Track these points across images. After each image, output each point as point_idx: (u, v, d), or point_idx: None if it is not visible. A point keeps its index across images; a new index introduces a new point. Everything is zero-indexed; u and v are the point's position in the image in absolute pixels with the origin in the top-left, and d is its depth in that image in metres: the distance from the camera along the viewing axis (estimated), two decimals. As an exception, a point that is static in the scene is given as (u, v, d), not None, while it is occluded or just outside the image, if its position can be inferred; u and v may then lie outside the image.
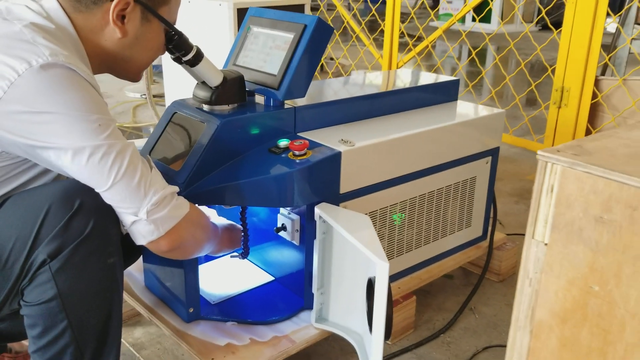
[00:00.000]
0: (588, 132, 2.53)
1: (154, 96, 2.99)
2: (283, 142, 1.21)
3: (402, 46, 3.53)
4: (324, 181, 1.21)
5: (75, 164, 0.88)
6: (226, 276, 1.42)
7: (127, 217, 0.93)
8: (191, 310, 1.25)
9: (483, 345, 1.39)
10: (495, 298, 1.59)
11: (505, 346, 1.38)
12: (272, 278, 1.42)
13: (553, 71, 2.62)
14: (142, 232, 0.95)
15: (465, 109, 1.58)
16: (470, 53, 3.26)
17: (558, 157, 0.66)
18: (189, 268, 1.22)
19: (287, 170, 1.16)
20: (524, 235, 1.84)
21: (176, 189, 0.98)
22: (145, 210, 0.92)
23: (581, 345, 0.68)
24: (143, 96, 3.51)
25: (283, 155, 1.20)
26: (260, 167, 1.19)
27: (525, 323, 0.73)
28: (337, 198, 1.24)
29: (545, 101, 2.79)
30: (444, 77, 1.67)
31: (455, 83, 1.64)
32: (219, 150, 1.18)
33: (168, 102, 2.36)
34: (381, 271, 0.96)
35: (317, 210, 1.18)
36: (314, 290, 1.24)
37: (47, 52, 0.86)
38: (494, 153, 1.58)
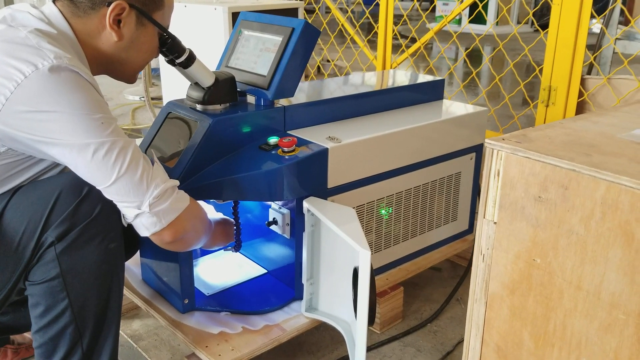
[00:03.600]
0: (576, 130, 2.59)
1: (153, 99, 3.05)
2: (273, 140, 1.27)
3: (397, 48, 3.60)
4: (312, 176, 1.27)
5: (80, 159, 0.94)
6: (220, 269, 1.48)
7: (130, 210, 0.99)
8: (186, 301, 1.31)
9: (467, 333, 1.45)
10: (481, 289, 1.65)
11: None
12: (265, 271, 1.48)
13: (541, 71, 2.67)
14: (146, 224, 1.00)
15: (450, 107, 1.64)
16: (466, 54, 3.32)
17: (502, 145, 0.74)
18: (184, 261, 1.28)
19: (277, 166, 1.22)
20: None
21: (176, 182, 1.04)
22: (147, 203, 0.98)
23: (528, 312, 0.75)
24: (142, 99, 3.57)
25: (273, 152, 1.26)
26: (251, 163, 1.25)
27: (481, 295, 0.79)
28: (325, 192, 1.30)
29: (536, 100, 2.85)
30: (429, 77, 1.73)
31: (441, 83, 1.70)
32: (212, 148, 1.24)
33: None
34: (364, 259, 1.02)
35: (306, 204, 1.24)
36: (304, 280, 1.30)
37: (52, 55, 0.92)
38: (478, 149, 1.64)
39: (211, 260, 1.52)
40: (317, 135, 1.33)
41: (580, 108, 2.60)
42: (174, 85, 2.62)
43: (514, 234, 0.74)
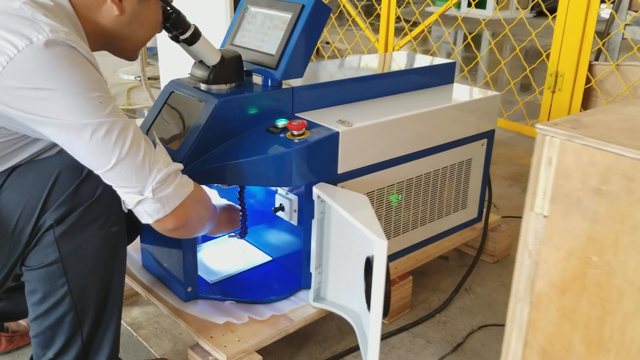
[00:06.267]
0: (582, 117, 2.54)
1: (149, 79, 2.97)
2: (281, 122, 1.22)
3: (398, 31, 3.53)
4: (322, 161, 1.21)
5: (77, 141, 0.88)
6: (224, 256, 1.43)
7: (131, 196, 0.93)
8: (189, 289, 1.26)
9: (478, 324, 1.41)
10: (490, 279, 1.61)
11: (500, 325, 1.41)
12: (270, 258, 1.43)
13: (547, 56, 2.62)
14: (148, 211, 0.95)
15: (462, 91, 1.58)
16: (465, 38, 3.25)
17: (556, 130, 0.67)
18: (187, 247, 1.22)
19: (285, 150, 1.16)
20: (518, 217, 1.87)
21: (180, 166, 0.98)
22: (150, 189, 0.92)
23: (580, 314, 0.69)
24: (137, 78, 3.49)
25: (281, 135, 1.21)
26: (258, 146, 1.19)
27: (525, 295, 0.74)
28: (335, 178, 1.24)
29: (539, 86, 2.80)
30: (440, 60, 1.67)
31: (452, 66, 1.65)
32: (217, 130, 1.18)
33: (163, 84, 2.34)
34: (379, 249, 0.97)
35: (316, 190, 1.19)
36: (312, 269, 1.25)
37: (47, 28, 0.86)
38: (489, 135, 1.59)
39: (214, 246, 1.47)
40: (327, 119, 1.27)
41: (587, 95, 2.56)
42: (171, 64, 2.54)
43: (567, 229, 0.69)
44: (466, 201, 1.60)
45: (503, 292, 1.54)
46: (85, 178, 0.95)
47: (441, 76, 1.62)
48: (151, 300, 1.30)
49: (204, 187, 1.12)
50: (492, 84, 3.01)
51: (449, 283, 1.58)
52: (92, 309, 1.00)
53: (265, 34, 1.30)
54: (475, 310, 1.47)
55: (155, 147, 0.96)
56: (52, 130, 0.88)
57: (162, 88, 1.35)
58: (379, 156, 1.32)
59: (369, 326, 1.04)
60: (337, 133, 1.21)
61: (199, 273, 1.30)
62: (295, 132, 1.19)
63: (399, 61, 1.68)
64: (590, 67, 2.50)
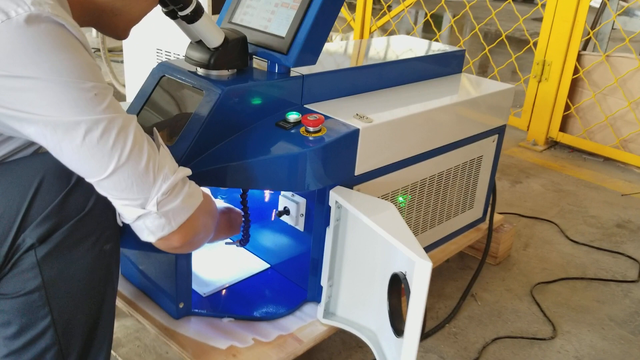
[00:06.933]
0: (567, 108, 2.50)
1: (109, 51, 2.71)
2: (293, 116, 1.06)
3: (376, 11, 3.37)
4: (339, 162, 1.07)
5: (66, 143, 0.70)
6: (216, 263, 1.27)
7: (130, 210, 0.76)
8: (181, 305, 1.10)
9: (491, 336, 1.32)
10: (494, 283, 1.52)
11: (515, 337, 1.32)
12: (267, 265, 1.28)
13: (535, 44, 2.55)
14: (151, 227, 0.78)
15: (474, 83, 1.47)
16: (426, 19, 3.13)
17: None
18: (181, 256, 1.06)
19: (301, 150, 1.01)
20: (514, 214, 1.77)
21: (188, 171, 0.82)
22: (155, 201, 0.76)
23: None
24: (95, 51, 3.20)
25: (293, 131, 1.05)
26: (267, 144, 1.03)
27: None
28: (351, 181, 1.10)
29: (523, 75, 2.72)
30: (447, 47, 1.54)
31: (461, 54, 1.52)
32: (221, 123, 1.02)
33: (126, 57, 2.11)
34: (423, 271, 0.84)
35: (333, 194, 1.04)
36: (323, 283, 1.11)
37: (29, 0, 0.67)
38: (500, 131, 1.48)
39: (204, 250, 1.31)
40: (341, 112, 1.12)
41: (574, 85, 2.50)
42: (135, 35, 2.30)
43: None
44: (473, 201, 1.49)
45: (510, 299, 1.46)
46: (75, 187, 0.77)
47: (450, 65, 1.50)
48: (135, 317, 1.13)
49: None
50: (474, 71, 2.91)
51: (453, 288, 1.48)
52: (79, 342, 0.83)
53: (272, 12, 1.13)
54: (485, 319, 1.37)
55: (158, 149, 0.79)
56: (35, 129, 0.70)
57: (124, 62, 1.15)
58: (395, 155, 1.18)
59: (401, 354, 0.92)
60: (357, 130, 1.06)
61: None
62: (311, 129, 1.03)
63: (404, 47, 1.54)
64: (579, 57, 2.43)
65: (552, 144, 2.60)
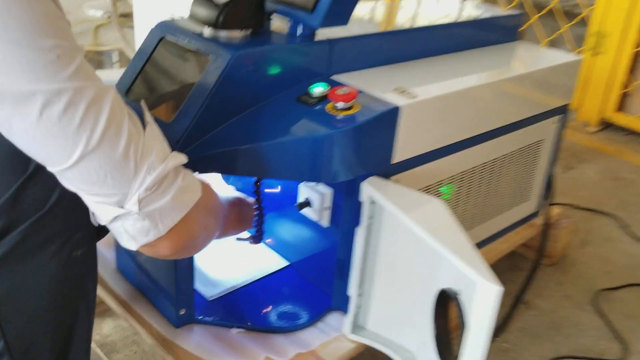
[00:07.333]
0: (626, 85, 2.23)
1: (121, 16, 2.53)
2: (318, 89, 0.86)
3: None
4: (375, 147, 0.87)
5: (17, 120, 0.52)
6: (225, 259, 1.09)
7: (105, 208, 0.59)
8: (182, 311, 0.93)
9: (549, 354, 1.12)
10: (549, 287, 1.31)
11: (579, 358, 1.12)
12: (286, 263, 1.10)
13: (584, 19, 2.27)
14: (131, 232, 0.60)
15: (534, 53, 1.24)
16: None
17: None
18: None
19: (327, 131, 0.81)
20: (568, 204, 1.49)
21: (182, 159, 0.64)
22: (136, 198, 0.58)
23: None
24: (107, 15, 3.02)
25: (318, 108, 0.85)
26: (286, 124, 0.84)
27: None
28: (388, 170, 0.90)
29: (570, 49, 2.46)
30: (500, 10, 1.31)
31: (517, 19, 1.29)
32: (229, 97, 0.83)
33: (137, 23, 1.92)
34: (489, 296, 0.65)
35: (367, 187, 0.85)
36: (352, 292, 0.93)
37: None
38: (563, 112, 1.26)
39: (211, 244, 1.13)
40: (377, 85, 0.92)
41: (636, 59, 2.23)
42: (148, 1, 2.11)
43: None
44: (529, 193, 1.28)
45: (570, 307, 1.25)
46: (32, 176, 0.60)
47: (504, 31, 1.27)
48: (129, 322, 0.96)
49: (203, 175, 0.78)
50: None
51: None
52: (42, 371, 0.66)
53: (296, -39, 0.92)
54: (541, 332, 1.17)
55: (144, 127, 0.61)
56: None
57: (134, 27, 0.96)
58: (443, 139, 0.98)
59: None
60: (397, 108, 0.86)
61: (195, 284, 0.97)
62: (341, 105, 0.83)
63: (449, 9, 1.32)
64: (643, 28, 2.16)
65: (606, 126, 2.34)
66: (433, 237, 0.75)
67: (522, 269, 1.35)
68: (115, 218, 0.59)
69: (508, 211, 1.24)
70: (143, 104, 0.67)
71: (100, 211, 0.59)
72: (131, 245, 0.62)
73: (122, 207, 0.59)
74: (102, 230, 0.87)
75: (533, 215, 1.34)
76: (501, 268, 1.37)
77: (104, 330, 1.11)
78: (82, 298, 0.68)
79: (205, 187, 0.69)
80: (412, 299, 0.86)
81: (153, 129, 0.62)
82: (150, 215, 0.60)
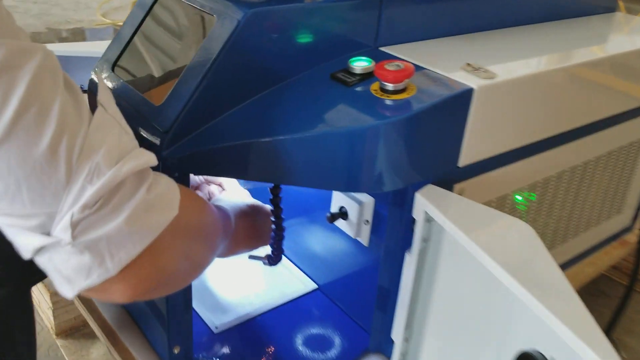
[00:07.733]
0: None
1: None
2: (360, 63, 0.63)
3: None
4: (436, 144, 0.63)
5: None
6: (237, 278, 0.88)
7: (23, 235, 0.38)
8: (177, 350, 0.72)
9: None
10: (642, 322, 1.06)
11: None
12: (314, 286, 0.88)
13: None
14: (64, 272, 0.40)
15: (636, 27, 0.97)
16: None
17: None
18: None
19: (372, 122, 0.58)
20: None
21: (149, 159, 0.42)
22: (68, 221, 0.37)
23: None
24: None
25: (360, 89, 0.62)
26: (316, 111, 0.61)
27: None
28: (451, 175, 0.67)
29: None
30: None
31: (617, -17, 1.03)
32: (239, 72, 0.61)
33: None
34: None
35: (421, 199, 0.62)
36: (396, 336, 0.70)
37: None
38: (672, 102, 0.99)
39: (221, 263, 0.92)
40: (441, 61, 0.68)
41: None
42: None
43: None
44: (622, 204, 1.02)
45: (671, 351, 0.99)
46: None
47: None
48: (113, 356, 0.77)
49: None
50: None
51: (580, 326, 1.03)
52: None
53: None
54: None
55: (92, 112, 0.40)
56: None
57: None
58: (524, 135, 0.74)
59: None
60: (470, 90, 0.62)
61: (198, 309, 0.77)
62: (391, 87, 0.60)
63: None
64: None
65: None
66: (514, 279, 0.52)
67: (608, 295, 1.09)
68: (40, 250, 0.39)
69: (596, 226, 0.99)
70: (101, 81, 0.45)
71: (17, 240, 0.39)
72: (66, 291, 0.41)
73: (47, 234, 0.38)
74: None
75: (626, 230, 1.08)
76: (582, 294, 1.12)
77: (92, 355, 0.92)
78: (8, 352, 0.48)
79: (188, 198, 0.47)
80: (478, 356, 0.63)
81: (105, 115, 0.41)
82: (92, 246, 0.39)
